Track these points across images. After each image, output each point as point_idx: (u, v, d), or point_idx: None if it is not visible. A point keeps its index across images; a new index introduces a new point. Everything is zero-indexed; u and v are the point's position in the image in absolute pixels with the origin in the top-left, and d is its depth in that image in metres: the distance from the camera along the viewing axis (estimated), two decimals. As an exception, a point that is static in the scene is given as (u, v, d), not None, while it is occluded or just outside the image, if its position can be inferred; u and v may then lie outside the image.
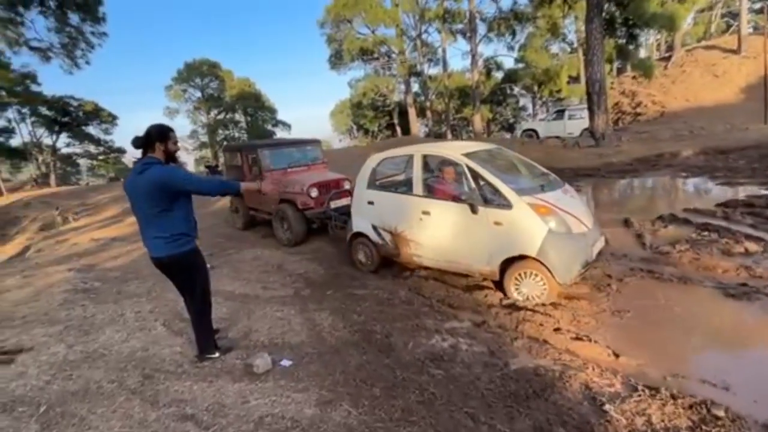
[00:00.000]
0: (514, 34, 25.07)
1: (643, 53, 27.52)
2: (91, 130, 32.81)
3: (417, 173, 4.01)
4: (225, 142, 38.82)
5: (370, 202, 4.45)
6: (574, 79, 27.61)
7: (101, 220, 12.09)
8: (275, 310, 3.68)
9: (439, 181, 4.14)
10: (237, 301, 4.00)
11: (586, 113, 14.87)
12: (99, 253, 6.98)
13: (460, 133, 39.94)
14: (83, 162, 37.13)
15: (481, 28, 25.93)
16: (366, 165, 4.57)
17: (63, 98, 29.44)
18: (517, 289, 3.45)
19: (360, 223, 4.58)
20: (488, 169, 3.51)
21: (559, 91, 27.36)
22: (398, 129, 36.73)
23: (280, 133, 46.13)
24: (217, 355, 2.84)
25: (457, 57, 47.66)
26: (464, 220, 3.57)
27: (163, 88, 39.68)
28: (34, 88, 26.78)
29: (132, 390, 2.50)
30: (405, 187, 4.35)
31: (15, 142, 29.71)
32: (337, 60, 30.51)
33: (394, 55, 31.03)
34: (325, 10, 26.26)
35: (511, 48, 27.32)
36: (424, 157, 4.03)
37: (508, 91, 37.66)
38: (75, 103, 30.68)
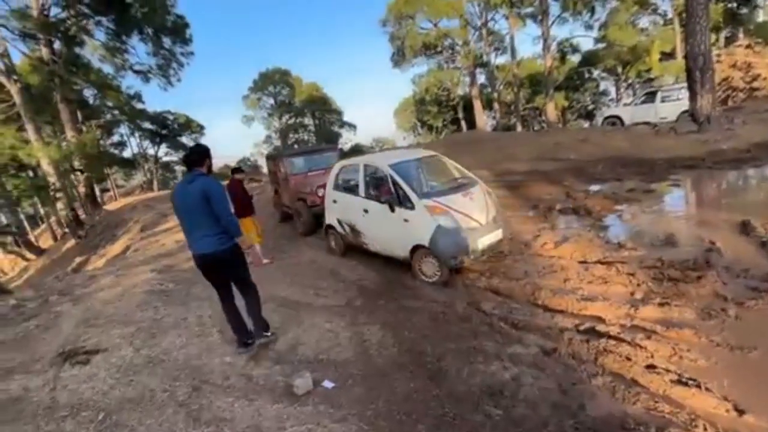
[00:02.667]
0: (593, 11, 22.63)
1: (762, 16, 23.02)
2: (184, 139, 36.88)
3: (361, 179, 4.98)
4: (295, 146, 40.98)
5: (335, 201, 5.54)
6: (667, 56, 24.11)
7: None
8: (325, 320, 3.57)
9: (374, 186, 4.94)
10: (290, 308, 3.97)
11: (684, 93, 12.77)
12: (178, 254, 7.63)
13: (531, 124, 37.41)
14: (179, 168, 41.99)
15: (554, 9, 23.87)
16: (332, 170, 5.66)
17: (162, 113, 33.50)
18: (420, 270, 4.32)
19: (330, 217, 5.71)
20: (404, 177, 4.37)
21: (649, 71, 24.17)
22: (463, 123, 35.53)
23: (346, 134, 47.46)
24: (271, 334, 3.28)
25: (526, 43, 44.71)
26: (387, 216, 4.48)
27: (241, 98, 43.00)
28: (139, 106, 30.85)
29: (180, 402, 2.52)
30: (355, 189, 5.19)
31: (127, 153, 34.59)
32: (399, 57, 30.36)
33: (458, 47, 30.00)
34: (386, 8, 26.25)
35: (589, 27, 24.74)
36: (365, 166, 4.96)
37: (587, 75, 34.31)
38: (171, 117, 34.74)
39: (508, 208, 7.23)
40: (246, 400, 2.48)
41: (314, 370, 2.73)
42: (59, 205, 21.44)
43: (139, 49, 22.94)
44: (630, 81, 31.76)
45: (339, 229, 5.54)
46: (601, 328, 2.83)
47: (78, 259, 13.54)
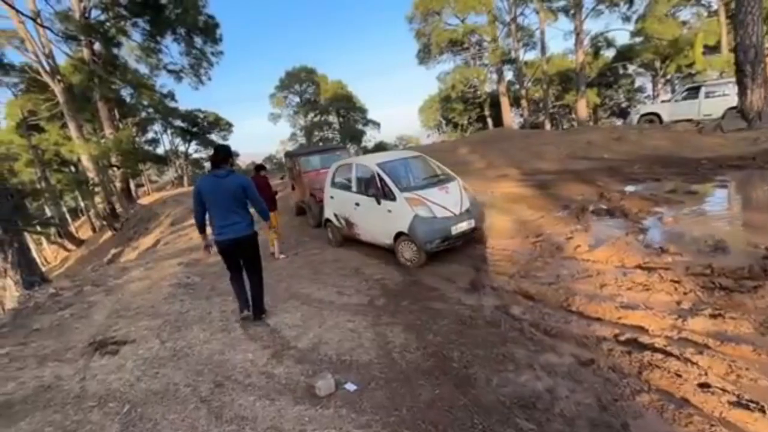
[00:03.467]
0: (631, 2, 21.54)
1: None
2: (213, 137, 37.94)
3: (353, 176, 5.68)
4: (320, 143, 41.39)
5: (332, 197, 6.19)
6: (711, 50, 22.67)
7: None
8: (347, 320, 3.50)
9: (365, 183, 5.51)
10: (312, 305, 3.93)
11: (730, 89, 11.96)
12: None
13: (559, 122, 36.24)
14: (208, 165, 43.24)
15: (588, 2, 22.93)
16: (330, 170, 6.40)
17: (193, 111, 34.58)
18: (401, 254, 4.95)
19: (328, 211, 6.35)
20: (389, 174, 5.07)
21: (690, 65, 22.80)
22: (489, 121, 34.82)
23: (370, 132, 47.51)
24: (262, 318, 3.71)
25: (557, 38, 43.03)
26: (374, 208, 5.14)
27: (268, 96, 43.79)
28: (172, 104, 31.95)
29: (202, 398, 2.51)
30: (348, 185, 5.81)
31: (160, 150, 35.94)
32: (425, 54, 30.05)
33: (485, 43, 29.38)
34: (413, 4, 26.01)
35: (626, 19, 23.57)
36: (357, 165, 5.71)
37: (621, 71, 32.82)
38: (201, 115, 35.82)
39: (537, 208, 6.96)
40: (267, 399, 2.43)
41: (336, 371, 2.66)
42: (97, 198, 22.52)
43: (172, 49, 23.72)
44: (668, 77, 30.13)
45: (336, 222, 6.15)
46: (644, 339, 2.62)
47: (113, 251, 14.15)
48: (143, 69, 24.84)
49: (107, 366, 3.01)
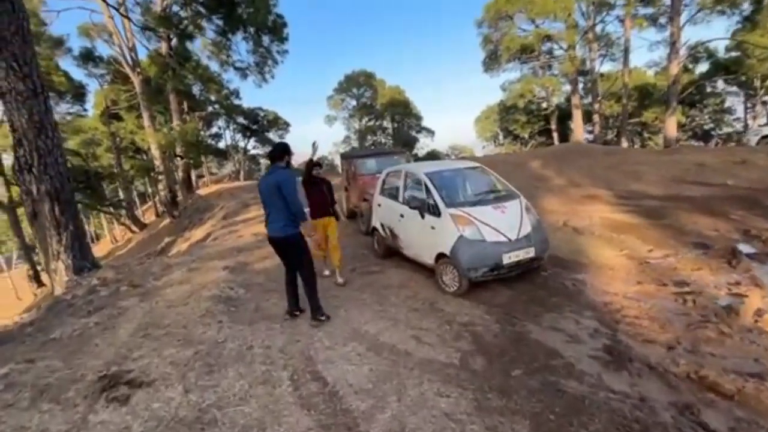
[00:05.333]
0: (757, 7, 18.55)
1: None
2: (271, 135, 38.97)
3: (401, 184, 5.14)
4: (372, 147, 41.13)
5: (379, 205, 5.70)
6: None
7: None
8: (437, 392, 2.43)
9: (411, 192, 4.95)
10: (383, 356, 2.91)
11: None
12: (254, 250, 7.11)
13: (631, 140, 32.91)
14: (263, 162, 44.68)
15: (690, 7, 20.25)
16: (380, 176, 5.95)
17: (254, 109, 35.68)
18: (441, 279, 4.30)
19: (375, 219, 5.83)
20: (437, 186, 4.48)
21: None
22: (555, 135, 32.44)
23: (423, 140, 46.63)
24: (324, 318, 3.58)
25: (640, 49, 38.97)
26: (418, 222, 4.54)
27: (325, 98, 44.37)
28: (236, 101, 33.12)
29: None
30: (395, 194, 5.29)
31: (221, 144, 37.42)
32: (491, 62, 28.54)
33: (557, 52, 27.34)
34: (484, 8, 24.72)
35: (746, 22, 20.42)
36: (407, 173, 5.17)
37: (709, 89, 29.08)
38: (262, 113, 36.89)
39: (654, 243, 5.49)
40: None
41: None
42: (160, 186, 23.53)
43: (240, 48, 24.39)
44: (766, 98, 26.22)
45: (381, 232, 5.64)
46: None
47: (167, 239, 14.27)
48: (213, 66, 25.77)
49: (109, 423, 2.19)
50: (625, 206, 7.59)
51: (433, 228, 4.33)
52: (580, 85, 29.69)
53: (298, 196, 3.40)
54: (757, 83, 25.77)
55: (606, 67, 28.18)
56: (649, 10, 23.07)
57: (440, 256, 4.28)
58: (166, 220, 21.89)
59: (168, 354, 2.94)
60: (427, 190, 4.50)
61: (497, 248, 3.96)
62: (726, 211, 6.46)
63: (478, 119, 43.59)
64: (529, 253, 4.11)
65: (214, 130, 37.38)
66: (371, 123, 45.92)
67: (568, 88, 29.01)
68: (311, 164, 4.72)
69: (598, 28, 25.37)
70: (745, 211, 6.44)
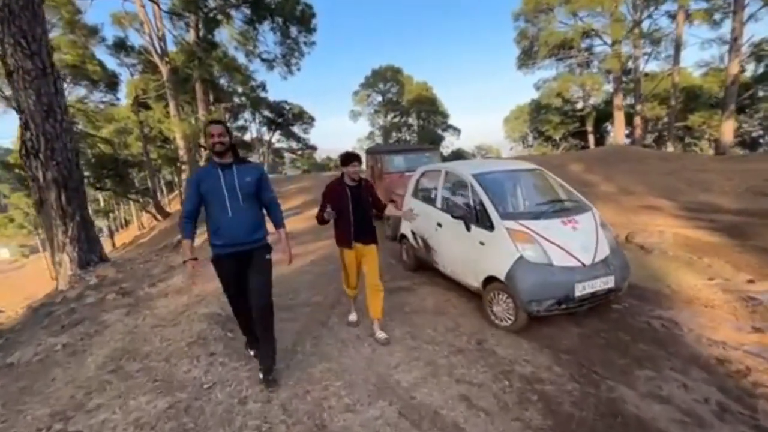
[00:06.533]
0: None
1: None
2: (296, 129, 38.74)
3: (440, 187, 4.35)
4: (396, 144, 40.26)
5: (411, 209, 4.28)
6: None
7: (286, 209, 12.63)
8: None
9: (453, 198, 4.21)
10: (420, 427, 2.09)
11: None
12: (268, 252, 6.44)
13: (682, 145, 30.70)
14: (287, 155, 44.63)
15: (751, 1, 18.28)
16: (414, 174, 5.14)
17: (280, 103, 35.46)
18: (490, 308, 3.44)
19: (405, 226, 5.01)
20: (489, 191, 3.60)
21: None
22: (590, 138, 30.64)
23: (449, 138, 45.41)
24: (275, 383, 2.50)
25: (691, 48, 36.34)
26: (461, 235, 3.70)
27: (351, 93, 43.75)
28: (262, 94, 32.94)
29: None
30: (432, 198, 4.52)
31: (246, 137, 37.43)
32: (526, 58, 27.08)
33: (598, 49, 25.62)
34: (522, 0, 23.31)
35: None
36: (447, 173, 4.31)
37: (761, 93, 26.63)
38: (287, 107, 36.65)
39: (746, 269, 4.42)
40: None
41: None
42: (184, 175, 23.50)
43: (267, 38, 23.99)
44: None
45: (412, 241, 4.84)
46: None
47: (179, 236, 13.88)
48: (240, 58, 25.48)
49: None
50: (697, 221, 6.46)
51: (482, 244, 3.47)
52: (622, 85, 27.82)
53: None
54: None
55: (650, 67, 26.22)
56: (703, 5, 21.15)
57: (490, 280, 3.42)
58: (189, 211, 21.78)
59: (135, 406, 2.22)
60: (475, 196, 3.66)
61: (568, 275, 3.08)
62: (833, 234, 5.29)
63: (508, 119, 42.02)
64: (608, 283, 3.20)
65: (240, 122, 37.38)
66: (396, 119, 45.05)
67: (608, 87, 27.21)
68: (349, 158, 3.12)
69: (645, 24, 23.55)
70: None
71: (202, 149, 23.36)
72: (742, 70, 23.26)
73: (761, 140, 31.27)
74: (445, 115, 45.23)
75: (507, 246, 3.23)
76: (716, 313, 3.45)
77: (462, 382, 2.54)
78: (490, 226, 3.39)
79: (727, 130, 18.72)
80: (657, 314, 3.49)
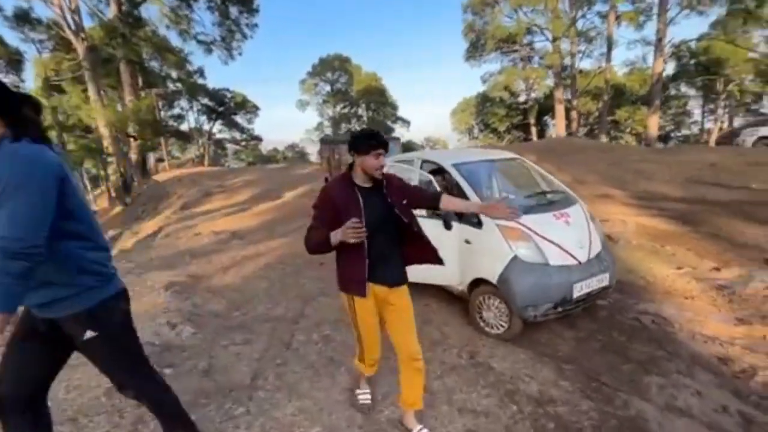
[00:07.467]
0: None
1: None
2: (238, 119, 36.33)
3: (414, 180, 3.64)
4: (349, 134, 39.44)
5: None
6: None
7: (230, 205, 11.63)
8: None
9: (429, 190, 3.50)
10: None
11: None
12: (212, 255, 5.62)
13: (609, 138, 33.35)
14: (230, 147, 41.85)
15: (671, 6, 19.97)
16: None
17: (220, 90, 32.92)
18: (479, 314, 3.11)
19: None
20: (473, 183, 3.20)
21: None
22: (533, 130, 32.14)
23: (399, 130, 45.40)
24: None
25: (619, 48, 39.47)
26: (440, 233, 3.09)
27: (298, 81, 41.97)
28: (200, 81, 30.31)
29: None
30: None
31: (184, 126, 34.26)
32: (474, 50, 27.56)
33: (538, 45, 26.77)
34: (471, -9, 23.55)
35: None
36: (424, 162, 3.84)
37: (673, 91, 29.78)
38: (228, 95, 34.17)
39: (708, 256, 4.54)
40: None
41: None
42: (110, 169, 20.97)
43: (204, 18, 21.91)
44: (730, 102, 27.15)
45: None
46: None
47: (111, 233, 12.23)
48: (175, 40, 23.10)
49: None
50: (649, 209, 6.70)
51: (467, 243, 3.09)
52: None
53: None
54: (719, 87, 26.34)
55: (584, 64, 28.00)
56: (630, 7, 22.83)
57: (478, 282, 3.07)
58: (118, 208, 19.51)
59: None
60: (458, 189, 3.24)
61: (565, 275, 2.79)
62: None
63: (455, 111, 42.83)
64: (603, 281, 2.97)
65: (176, 110, 34.13)
66: (346, 110, 44.11)
67: (549, 82, 28.59)
68: (369, 141, 1.77)
69: (580, 23, 24.93)
70: (789, 219, 5.68)
71: (132, 139, 20.98)
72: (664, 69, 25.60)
73: (672, 134, 34.94)
74: (394, 107, 45.13)
75: (498, 244, 2.88)
76: (698, 305, 3.40)
77: (465, 412, 2.13)
78: (478, 223, 3.02)
79: (653, 124, 20.42)
80: (643, 309, 3.36)
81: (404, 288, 1.97)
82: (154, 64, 25.03)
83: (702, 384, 2.36)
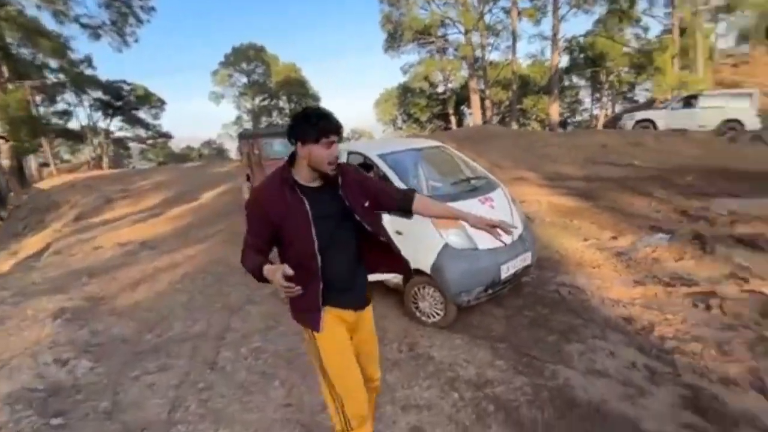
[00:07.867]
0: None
1: None
2: (142, 114, 32.52)
3: None
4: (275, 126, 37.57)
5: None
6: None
7: (138, 211, 10.33)
8: None
9: None
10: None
11: (725, 101, 11.93)
12: (116, 271, 4.89)
13: (518, 125, 36.51)
14: (134, 146, 37.34)
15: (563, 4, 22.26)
16: None
17: (116, 82, 29.04)
18: (415, 305, 3.14)
19: None
20: (399, 173, 3.21)
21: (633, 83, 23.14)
22: (452, 119, 33.73)
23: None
24: None
25: (521, 41, 42.86)
26: None
27: (210, 73, 38.78)
28: (89, 71, 26.38)
29: None
30: None
31: (73, 124, 29.51)
32: (392, 41, 27.91)
33: (452, 37, 28.04)
34: (386, -16, 23.66)
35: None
36: (350, 153, 3.72)
37: (567, 82, 33.68)
38: (127, 88, 30.32)
39: (607, 227, 5.13)
40: None
41: None
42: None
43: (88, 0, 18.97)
44: (610, 91, 31.54)
45: None
46: None
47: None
48: (50, 23, 19.67)
49: None
50: (558, 188, 7.39)
51: (399, 234, 3.05)
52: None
53: None
54: (603, 77, 30.29)
55: (493, 56, 30.05)
56: (528, 4, 24.98)
57: (413, 273, 3.06)
58: (-10, 225, 16.29)
59: None
60: (386, 180, 3.18)
61: (493, 258, 2.89)
62: (649, 191, 6.60)
63: (378, 102, 43.19)
64: (526, 260, 3.15)
65: (61, 106, 29.28)
66: (265, 102, 41.94)
67: (464, 73, 30.09)
68: (317, 122, 1.40)
69: (487, 17, 26.60)
70: (663, 190, 6.67)
71: (1, 140, 17.60)
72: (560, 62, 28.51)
73: (569, 120, 39.42)
74: (316, 98, 43.99)
75: (429, 233, 2.90)
76: (604, 272, 3.80)
77: (409, 408, 2.09)
78: (408, 213, 2.99)
79: (554, 111, 22.71)
80: (560, 281, 3.65)
81: (368, 310, 1.63)
82: (25, 51, 21.09)
83: (614, 344, 2.61)
